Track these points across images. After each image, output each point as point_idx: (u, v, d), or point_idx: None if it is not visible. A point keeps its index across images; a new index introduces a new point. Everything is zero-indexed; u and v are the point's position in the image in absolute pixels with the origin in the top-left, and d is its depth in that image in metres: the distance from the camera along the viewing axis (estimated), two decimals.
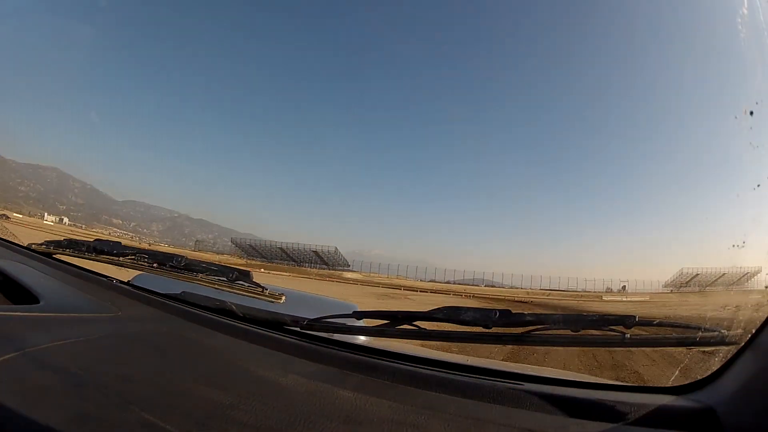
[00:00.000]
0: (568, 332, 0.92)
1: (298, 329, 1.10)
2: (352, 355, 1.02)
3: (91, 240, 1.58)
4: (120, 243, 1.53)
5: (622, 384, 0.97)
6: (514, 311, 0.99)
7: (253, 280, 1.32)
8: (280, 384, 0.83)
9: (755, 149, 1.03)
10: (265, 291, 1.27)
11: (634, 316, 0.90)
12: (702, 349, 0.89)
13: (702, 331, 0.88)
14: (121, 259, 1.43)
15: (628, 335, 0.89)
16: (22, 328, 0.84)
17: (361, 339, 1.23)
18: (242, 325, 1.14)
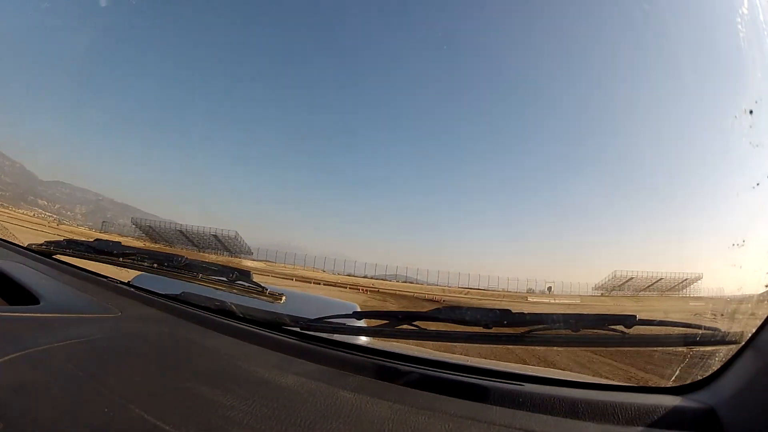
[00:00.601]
0: (568, 332, 0.92)
1: (298, 329, 1.10)
2: (352, 355, 1.02)
3: (92, 240, 1.58)
4: (120, 243, 1.53)
5: (622, 384, 0.97)
6: (514, 311, 0.99)
7: (253, 280, 1.32)
8: (280, 384, 0.83)
9: (755, 148, 1.03)
10: (265, 291, 1.27)
11: (634, 316, 0.90)
12: (702, 349, 0.89)
13: (702, 331, 0.88)
14: (121, 259, 1.43)
15: (628, 335, 0.89)
16: (22, 329, 0.84)
17: (361, 339, 1.23)
18: (242, 326, 1.14)
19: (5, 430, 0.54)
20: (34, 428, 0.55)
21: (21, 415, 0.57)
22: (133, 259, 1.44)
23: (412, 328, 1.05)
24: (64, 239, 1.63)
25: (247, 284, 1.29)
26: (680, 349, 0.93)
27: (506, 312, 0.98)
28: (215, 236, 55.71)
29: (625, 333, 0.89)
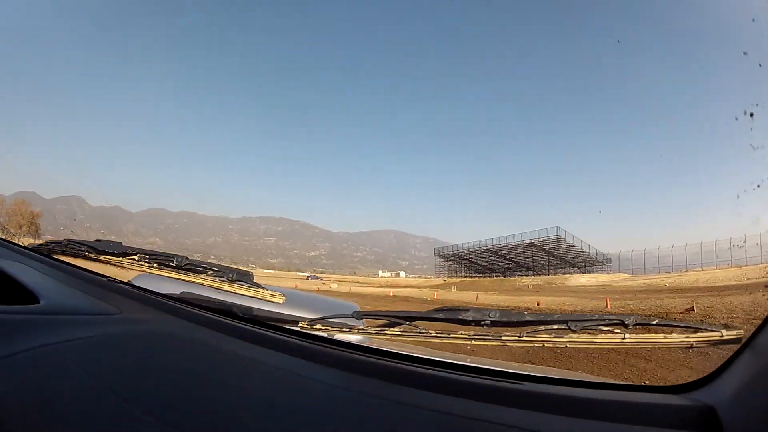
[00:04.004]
0: (568, 332, 0.93)
1: (298, 329, 1.11)
2: (352, 355, 1.02)
3: (92, 240, 1.58)
4: (120, 243, 1.53)
5: (622, 383, 0.97)
6: (514, 311, 0.99)
7: (254, 280, 1.32)
8: (280, 384, 0.83)
9: (755, 150, 1.04)
10: (265, 291, 1.27)
11: (635, 316, 0.90)
12: (702, 348, 0.89)
13: (702, 331, 0.88)
14: (121, 259, 1.43)
15: (628, 335, 0.89)
16: (22, 328, 0.84)
17: (361, 339, 1.23)
18: (242, 326, 1.14)
19: (5, 430, 0.54)
20: (34, 428, 0.55)
21: (21, 415, 0.57)
22: (134, 259, 1.44)
23: (413, 328, 1.05)
24: (64, 239, 1.63)
25: (247, 284, 1.29)
26: (680, 349, 0.93)
27: (506, 312, 0.98)
28: (534, 245, 44.33)
29: (624, 333, 0.89)
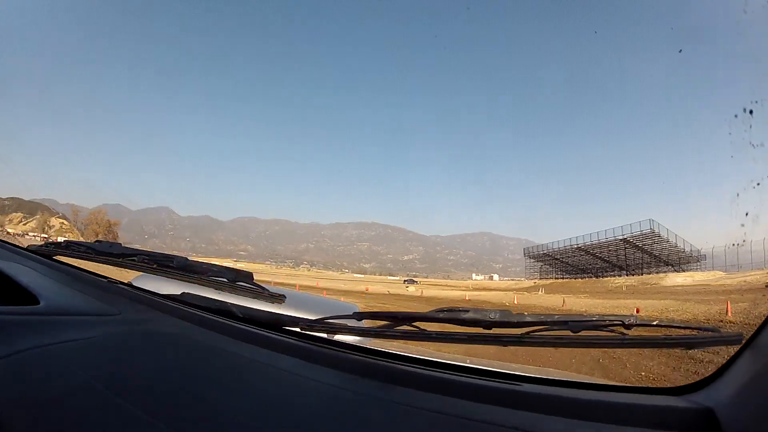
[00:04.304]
0: (568, 333, 0.92)
1: (298, 330, 1.10)
2: (352, 356, 1.02)
3: (92, 241, 1.58)
4: (120, 244, 1.53)
5: (621, 385, 0.97)
6: (514, 312, 0.99)
7: (254, 281, 1.32)
8: (280, 385, 0.83)
9: (755, 148, 1.03)
10: (265, 292, 1.27)
11: (634, 317, 0.90)
12: (701, 349, 0.89)
13: (702, 332, 0.88)
14: (121, 260, 1.43)
15: (628, 336, 0.89)
16: (22, 329, 0.84)
17: (361, 340, 1.23)
18: (243, 326, 1.14)
19: (5, 430, 0.54)
20: (34, 428, 0.55)
21: (21, 415, 0.57)
22: (134, 260, 1.44)
23: (413, 329, 1.05)
24: (64, 240, 1.63)
25: (247, 285, 1.29)
26: (679, 350, 0.92)
27: (506, 313, 0.98)
28: (627, 241, 39.27)
29: (624, 334, 0.89)
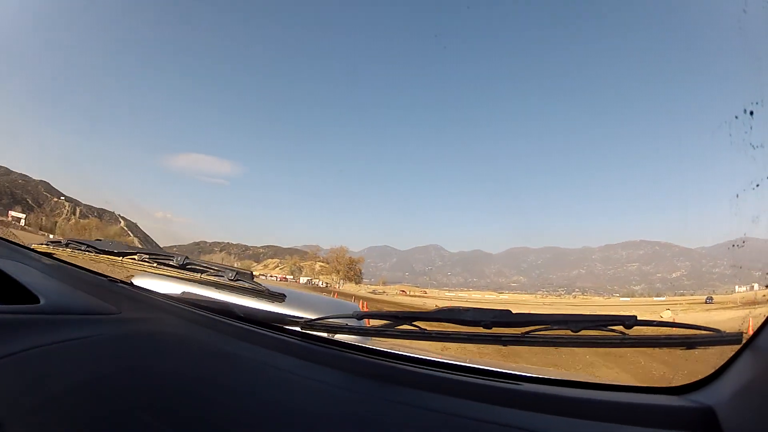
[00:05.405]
0: (568, 332, 0.92)
1: (298, 329, 1.11)
2: (352, 355, 1.02)
3: (92, 240, 1.58)
4: (120, 243, 1.53)
5: (621, 384, 0.97)
6: (514, 311, 0.99)
7: (254, 280, 1.32)
8: (280, 385, 0.83)
9: (755, 149, 1.03)
10: (265, 291, 1.27)
11: (635, 316, 0.90)
12: (702, 349, 0.89)
13: (701, 332, 0.88)
14: (121, 259, 1.43)
15: (628, 336, 0.89)
16: (22, 328, 0.84)
17: (361, 339, 1.23)
18: (243, 326, 1.14)
19: (5, 430, 0.54)
20: (34, 428, 0.55)
21: (21, 415, 0.56)
22: (134, 259, 1.44)
23: (413, 328, 1.05)
24: (64, 239, 1.63)
25: (247, 284, 1.29)
26: (680, 349, 0.93)
27: (506, 312, 0.98)
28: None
29: (625, 334, 0.89)
